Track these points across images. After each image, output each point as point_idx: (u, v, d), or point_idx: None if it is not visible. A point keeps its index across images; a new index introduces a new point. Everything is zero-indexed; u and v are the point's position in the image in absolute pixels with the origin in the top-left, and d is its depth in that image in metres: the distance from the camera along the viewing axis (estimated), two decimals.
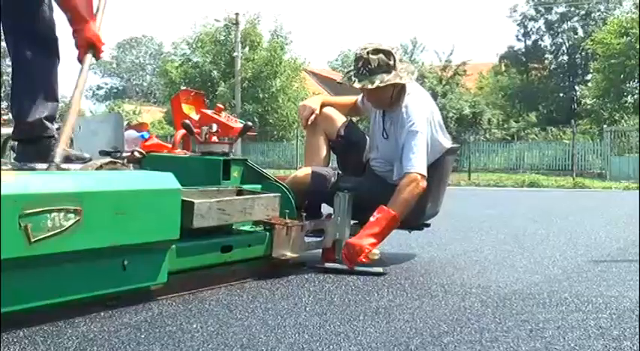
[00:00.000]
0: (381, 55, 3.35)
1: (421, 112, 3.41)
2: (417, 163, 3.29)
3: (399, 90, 3.44)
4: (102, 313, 2.29)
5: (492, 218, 6.74)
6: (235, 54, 28.45)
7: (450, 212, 7.49)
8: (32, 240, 1.95)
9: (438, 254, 3.93)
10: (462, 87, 30.34)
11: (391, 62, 3.37)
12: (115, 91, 63.40)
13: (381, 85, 3.33)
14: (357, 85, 3.37)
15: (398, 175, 3.36)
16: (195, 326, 2.16)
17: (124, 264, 2.29)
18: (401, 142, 3.37)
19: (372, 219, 3.23)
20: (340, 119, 3.69)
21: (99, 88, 64.73)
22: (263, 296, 2.64)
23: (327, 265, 3.23)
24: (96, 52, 2.87)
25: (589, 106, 31.49)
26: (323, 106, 3.68)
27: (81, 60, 2.85)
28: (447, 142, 3.54)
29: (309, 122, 3.63)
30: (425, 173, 3.30)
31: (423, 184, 3.28)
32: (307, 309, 2.42)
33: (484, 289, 2.83)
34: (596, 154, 23.04)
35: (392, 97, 3.44)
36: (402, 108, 3.42)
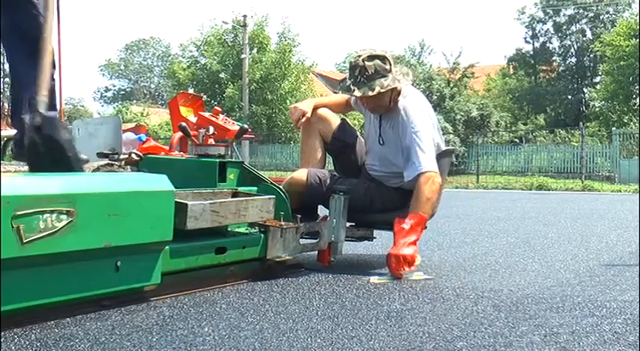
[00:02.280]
0: (377, 61, 3.37)
1: (421, 113, 3.44)
2: (428, 162, 3.31)
3: (396, 93, 3.46)
4: (113, 316, 2.29)
5: (502, 221, 6.72)
6: (243, 56, 28.48)
7: (459, 215, 7.51)
8: (24, 241, 1.98)
9: (448, 257, 3.91)
10: (469, 89, 30.28)
11: (387, 66, 3.38)
12: (123, 92, 63.52)
13: (383, 90, 3.34)
14: (357, 93, 3.38)
15: (409, 177, 3.35)
16: (206, 330, 2.15)
17: (117, 265, 2.32)
18: (405, 144, 3.38)
19: (404, 226, 3.22)
20: (335, 121, 3.69)
21: (107, 90, 64.99)
22: (274, 299, 2.63)
23: (376, 278, 3.11)
24: None
25: (597, 109, 31.41)
26: (316, 108, 3.68)
27: None
28: (442, 144, 3.56)
29: (299, 124, 3.64)
30: (437, 170, 3.33)
31: (439, 179, 3.32)
32: (319, 313, 2.41)
33: (496, 293, 2.81)
34: (604, 157, 22.95)
35: (390, 101, 3.45)
36: (400, 111, 3.44)
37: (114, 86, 65.46)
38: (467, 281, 3.11)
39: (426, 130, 3.38)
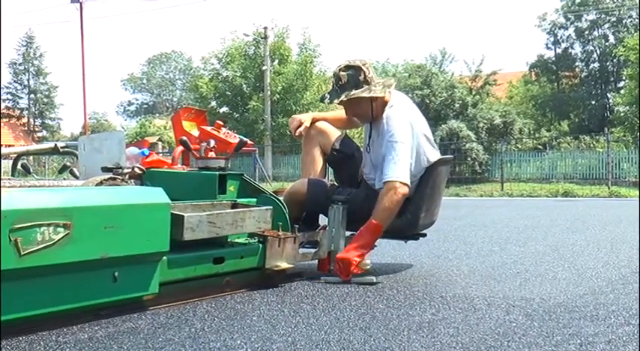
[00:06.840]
0: (350, 71, 3.48)
1: (401, 123, 3.46)
2: (396, 171, 3.35)
3: (381, 103, 3.52)
4: (145, 330, 2.30)
5: (529, 229, 6.66)
6: (264, 68, 28.58)
7: (485, 223, 7.46)
8: (22, 253, 2.05)
9: (477, 266, 3.88)
10: (492, 97, 30.13)
11: (361, 77, 3.47)
12: (146, 106, 64.04)
13: (345, 99, 3.45)
14: (326, 101, 3.52)
15: (377, 185, 3.43)
16: (239, 342, 2.15)
17: (115, 275, 2.39)
18: (381, 152, 3.45)
19: (356, 233, 3.35)
20: (335, 133, 3.79)
21: (130, 104, 65.54)
22: (304, 311, 2.63)
23: (324, 278, 3.30)
24: None
25: (622, 114, 31.04)
26: (315, 121, 3.78)
27: None
28: (434, 154, 3.57)
29: (297, 134, 3.72)
30: (405, 180, 3.35)
31: (403, 190, 3.34)
32: (350, 324, 2.40)
33: (528, 302, 2.78)
34: (631, 163, 22.65)
35: (372, 111, 3.53)
36: (383, 120, 3.50)
37: (137, 100, 66.08)
38: (497, 290, 3.08)
39: (403, 141, 3.40)
